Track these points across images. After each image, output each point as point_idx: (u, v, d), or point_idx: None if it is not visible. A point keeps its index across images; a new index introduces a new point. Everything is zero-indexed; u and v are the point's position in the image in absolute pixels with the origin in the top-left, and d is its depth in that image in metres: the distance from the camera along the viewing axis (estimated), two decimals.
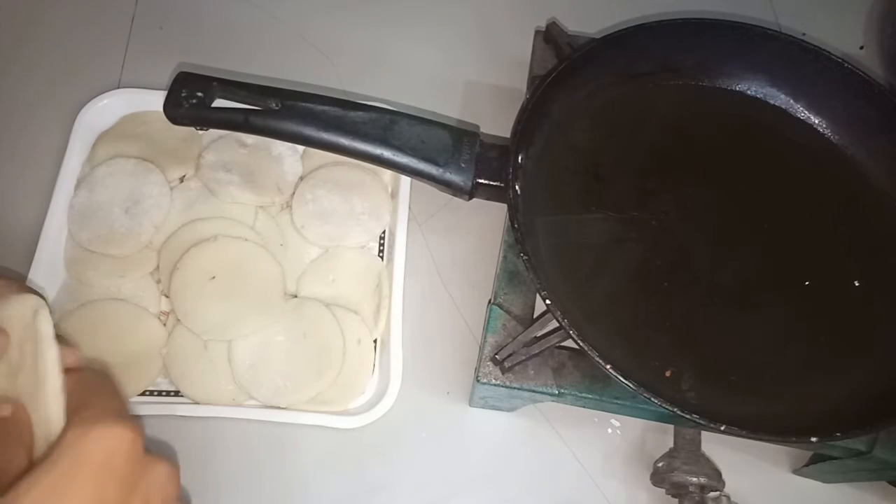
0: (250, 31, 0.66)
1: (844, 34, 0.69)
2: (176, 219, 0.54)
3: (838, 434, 0.41)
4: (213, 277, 0.51)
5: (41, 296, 0.34)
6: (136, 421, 0.30)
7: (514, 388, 0.45)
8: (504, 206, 0.46)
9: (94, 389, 0.31)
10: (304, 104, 0.47)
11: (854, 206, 0.51)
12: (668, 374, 0.44)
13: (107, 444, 0.28)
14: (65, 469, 0.27)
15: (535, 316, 0.47)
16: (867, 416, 0.42)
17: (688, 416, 0.39)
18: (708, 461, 0.46)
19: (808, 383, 0.45)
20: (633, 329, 0.46)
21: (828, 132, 0.54)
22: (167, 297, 0.52)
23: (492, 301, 0.48)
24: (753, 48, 0.53)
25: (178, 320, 0.51)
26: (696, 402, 0.43)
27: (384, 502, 0.49)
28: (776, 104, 0.54)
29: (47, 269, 0.51)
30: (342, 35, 0.66)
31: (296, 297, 0.53)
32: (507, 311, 0.47)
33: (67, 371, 0.30)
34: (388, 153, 0.46)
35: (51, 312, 0.45)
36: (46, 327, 0.32)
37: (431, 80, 0.64)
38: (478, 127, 0.59)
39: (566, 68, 0.49)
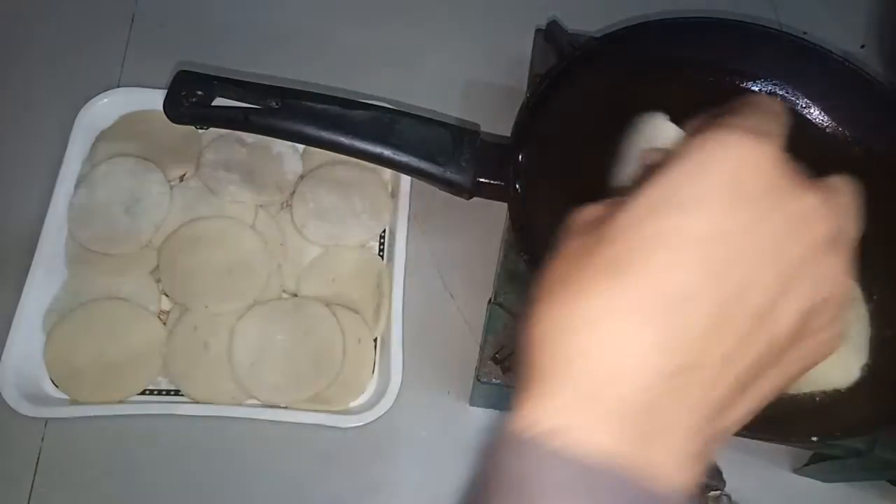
0: (250, 30, 0.66)
1: (846, 33, 0.69)
2: (176, 218, 0.54)
3: (838, 434, 0.41)
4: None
5: None
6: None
7: (515, 387, 0.45)
8: (504, 206, 0.46)
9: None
10: (304, 103, 0.47)
11: (863, 200, 0.51)
12: None
13: (742, 156, 0.21)
14: (683, 177, 0.22)
15: None
16: (867, 416, 0.42)
17: None
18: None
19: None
20: None
21: (829, 129, 0.54)
22: (167, 296, 0.52)
23: (492, 300, 0.48)
24: (754, 47, 0.53)
25: (178, 320, 0.51)
26: None
27: (384, 502, 0.49)
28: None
29: (47, 268, 0.51)
30: (342, 33, 0.66)
31: (296, 296, 0.53)
32: (508, 311, 0.47)
33: None
34: (388, 152, 0.46)
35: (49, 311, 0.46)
36: None
37: (432, 79, 0.64)
38: (478, 126, 0.59)
39: (567, 67, 0.49)
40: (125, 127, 0.58)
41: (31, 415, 0.47)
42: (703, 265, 0.21)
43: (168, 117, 0.47)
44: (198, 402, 0.49)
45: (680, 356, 0.20)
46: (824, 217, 0.22)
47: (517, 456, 0.21)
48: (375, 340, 0.53)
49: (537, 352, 0.23)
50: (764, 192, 0.21)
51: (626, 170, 0.41)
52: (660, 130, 0.41)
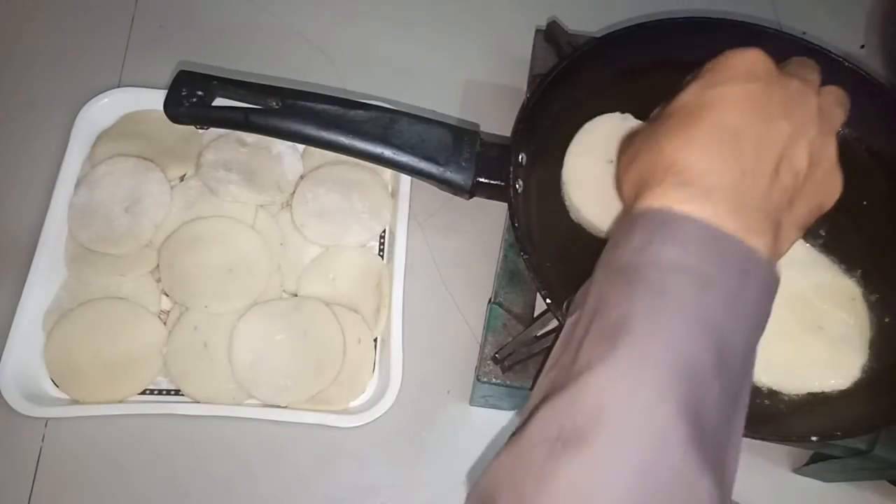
0: (250, 30, 0.66)
1: (845, 33, 0.69)
2: (176, 217, 0.54)
3: (838, 433, 0.41)
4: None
5: None
6: None
7: (515, 386, 0.45)
8: (504, 206, 0.46)
9: None
10: (304, 103, 0.47)
11: (859, 204, 0.51)
12: None
13: (743, 55, 0.32)
14: (715, 72, 0.33)
15: (535, 315, 0.47)
16: (867, 416, 0.42)
17: None
18: None
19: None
20: None
21: None
22: (167, 295, 0.52)
23: (492, 300, 0.48)
24: (754, 47, 0.53)
25: (178, 320, 0.51)
26: None
27: (384, 502, 0.49)
28: None
29: (47, 267, 0.51)
30: (343, 34, 0.66)
31: (296, 295, 0.53)
32: (508, 310, 0.47)
33: None
34: (388, 152, 0.46)
35: (49, 311, 0.46)
36: None
37: (432, 79, 0.64)
38: (478, 126, 0.59)
39: (567, 67, 0.49)
40: (125, 127, 0.58)
41: (31, 415, 0.47)
42: (742, 115, 0.30)
43: (168, 117, 0.47)
44: (198, 402, 0.49)
45: (743, 164, 0.30)
46: (811, 96, 0.32)
47: (638, 228, 0.29)
48: (375, 340, 0.53)
49: (639, 179, 0.31)
50: (768, 75, 0.32)
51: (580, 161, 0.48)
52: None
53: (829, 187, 0.33)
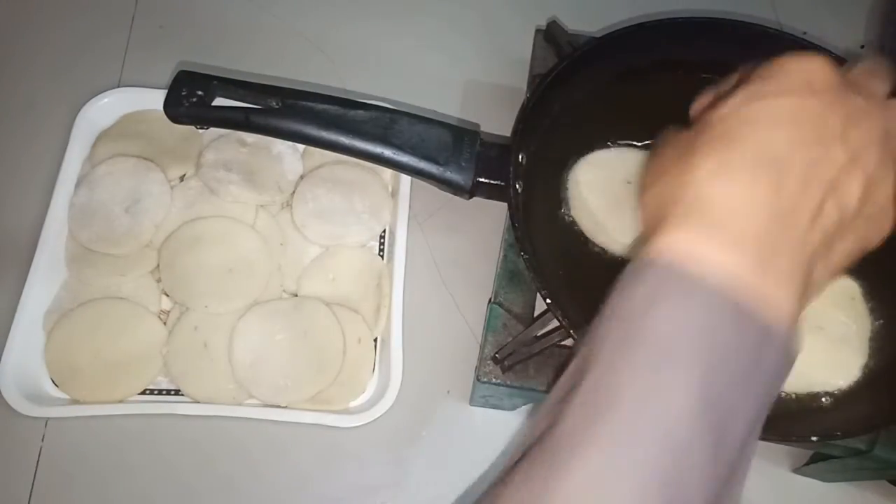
0: (250, 30, 0.66)
1: (846, 33, 0.69)
2: (176, 217, 0.54)
3: (838, 433, 0.41)
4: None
5: None
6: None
7: (515, 387, 0.45)
8: (504, 206, 0.46)
9: None
10: (304, 103, 0.47)
11: None
12: None
13: (807, 62, 0.28)
14: (766, 80, 0.28)
15: (535, 315, 0.47)
16: (867, 416, 0.42)
17: None
18: None
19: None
20: None
21: None
22: (167, 295, 0.52)
23: (492, 300, 0.48)
24: (754, 47, 0.53)
25: (178, 320, 0.51)
26: None
27: (384, 502, 0.49)
28: None
29: (47, 268, 0.51)
30: (343, 34, 0.66)
31: (296, 295, 0.53)
32: (508, 310, 0.47)
33: None
34: (388, 152, 0.46)
35: (49, 311, 0.46)
36: None
37: (432, 79, 0.64)
38: (478, 126, 0.59)
39: (567, 67, 0.49)
40: (125, 127, 0.58)
41: (31, 415, 0.47)
42: (789, 137, 0.26)
43: (168, 117, 0.47)
44: (198, 402, 0.49)
45: (782, 201, 0.25)
46: (876, 117, 0.28)
47: (644, 280, 0.25)
48: (375, 340, 0.53)
49: (660, 204, 0.27)
50: (828, 89, 0.27)
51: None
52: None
53: (878, 225, 0.29)
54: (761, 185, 0.26)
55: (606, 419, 0.23)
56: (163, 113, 0.47)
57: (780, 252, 0.25)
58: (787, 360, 0.25)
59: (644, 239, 0.27)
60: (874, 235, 0.29)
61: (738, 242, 0.25)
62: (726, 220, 0.25)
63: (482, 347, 0.46)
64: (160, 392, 0.50)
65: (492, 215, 0.56)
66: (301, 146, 0.57)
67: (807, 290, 0.26)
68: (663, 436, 0.22)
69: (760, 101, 0.27)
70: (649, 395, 0.23)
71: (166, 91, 0.47)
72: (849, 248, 0.28)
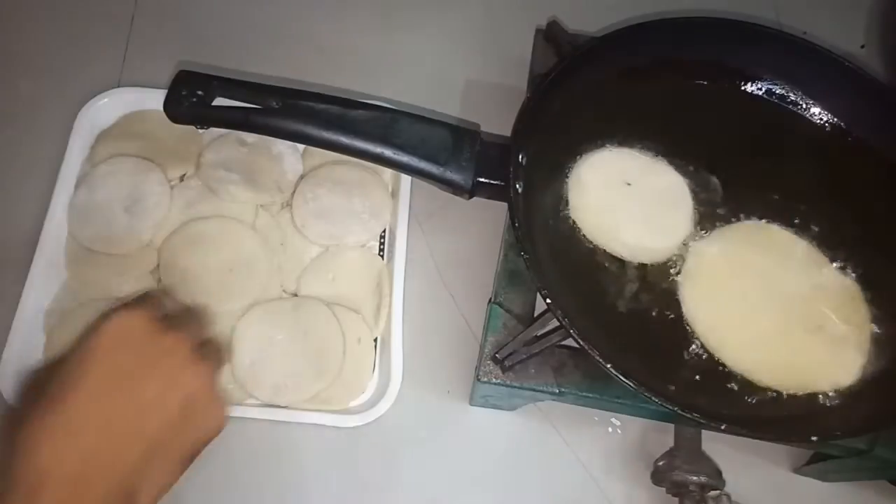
0: (250, 30, 0.66)
1: (846, 33, 0.69)
2: (176, 217, 0.54)
3: (838, 433, 0.41)
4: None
5: None
6: (151, 309, 0.35)
7: (515, 386, 0.45)
8: (504, 205, 0.46)
9: None
10: (304, 103, 0.47)
11: (859, 204, 0.51)
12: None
13: (121, 321, 0.34)
14: (86, 344, 0.33)
15: (535, 315, 0.47)
16: (867, 416, 0.42)
17: (689, 415, 0.39)
18: (708, 460, 0.46)
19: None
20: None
21: (829, 128, 0.54)
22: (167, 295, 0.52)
23: (492, 300, 0.48)
24: (754, 47, 0.53)
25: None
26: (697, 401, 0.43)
27: (384, 502, 0.49)
28: (778, 101, 0.54)
29: (47, 267, 0.51)
30: (343, 33, 0.66)
31: (296, 295, 0.53)
32: (508, 310, 0.47)
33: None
34: (388, 152, 0.46)
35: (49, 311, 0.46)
36: None
37: (432, 79, 0.64)
38: (478, 126, 0.59)
39: (567, 67, 0.49)
40: (125, 127, 0.58)
41: None
42: (106, 388, 0.32)
43: (168, 117, 0.47)
44: None
45: (99, 440, 0.31)
46: (180, 344, 0.35)
47: None
48: (375, 340, 0.53)
49: (8, 469, 0.30)
50: (136, 339, 0.33)
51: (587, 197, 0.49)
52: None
53: (211, 417, 0.35)
54: (72, 438, 0.30)
55: None
56: (163, 113, 0.47)
57: (89, 483, 0.30)
58: None
59: (5, 498, 0.29)
60: (209, 425, 0.35)
61: (54, 490, 0.29)
62: (47, 475, 0.29)
63: (482, 347, 0.46)
64: None
65: (492, 215, 0.56)
66: (301, 146, 0.57)
67: (143, 486, 0.32)
68: None
69: (81, 364, 0.32)
70: None
71: (166, 91, 0.47)
72: (184, 442, 0.34)
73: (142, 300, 0.36)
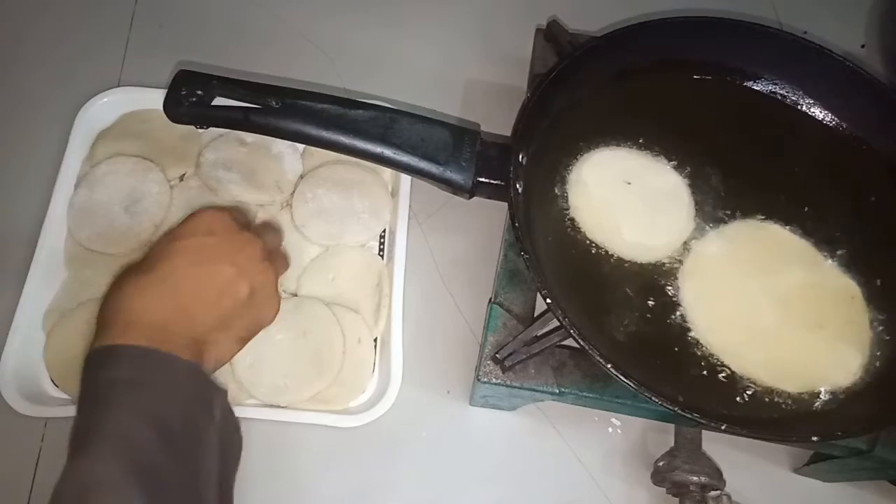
0: (250, 29, 0.66)
1: (846, 32, 0.69)
2: (176, 217, 0.54)
3: (839, 433, 0.41)
4: None
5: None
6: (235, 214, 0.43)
7: (515, 386, 0.45)
8: (504, 205, 0.46)
9: None
10: (304, 102, 0.47)
11: (859, 204, 0.51)
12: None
13: (212, 215, 0.42)
14: (179, 228, 0.41)
15: (535, 315, 0.47)
16: (867, 416, 0.42)
17: (689, 416, 0.39)
18: (709, 460, 0.46)
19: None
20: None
21: (829, 128, 0.54)
22: None
23: (492, 300, 0.48)
24: (754, 46, 0.53)
25: None
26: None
27: (384, 501, 0.49)
28: (778, 101, 0.54)
29: (47, 267, 0.51)
30: (343, 33, 0.66)
31: (296, 295, 0.53)
32: (508, 310, 0.47)
33: None
34: (388, 151, 0.46)
35: (49, 311, 0.45)
36: None
37: (432, 79, 0.64)
38: (478, 125, 0.59)
39: (567, 67, 0.49)
40: (125, 126, 0.58)
41: (31, 415, 0.47)
42: (188, 263, 0.39)
43: (168, 117, 0.47)
44: None
45: (179, 301, 0.38)
46: (255, 243, 0.42)
47: (88, 364, 0.36)
48: (375, 340, 0.53)
49: (103, 315, 0.38)
50: (222, 231, 0.41)
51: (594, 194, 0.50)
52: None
53: (268, 307, 0.43)
54: (163, 294, 0.38)
55: (84, 451, 0.35)
56: (162, 112, 0.47)
57: (175, 331, 0.37)
58: (196, 377, 0.38)
59: (98, 336, 0.37)
60: (266, 315, 0.43)
61: (146, 329, 0.37)
62: (139, 317, 0.37)
63: (482, 347, 0.46)
64: None
65: (492, 215, 0.56)
66: (301, 146, 0.57)
67: (211, 349, 0.39)
68: (120, 442, 0.34)
69: (174, 242, 0.40)
70: (104, 427, 0.34)
71: (166, 91, 0.47)
72: (246, 323, 0.41)
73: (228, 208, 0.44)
